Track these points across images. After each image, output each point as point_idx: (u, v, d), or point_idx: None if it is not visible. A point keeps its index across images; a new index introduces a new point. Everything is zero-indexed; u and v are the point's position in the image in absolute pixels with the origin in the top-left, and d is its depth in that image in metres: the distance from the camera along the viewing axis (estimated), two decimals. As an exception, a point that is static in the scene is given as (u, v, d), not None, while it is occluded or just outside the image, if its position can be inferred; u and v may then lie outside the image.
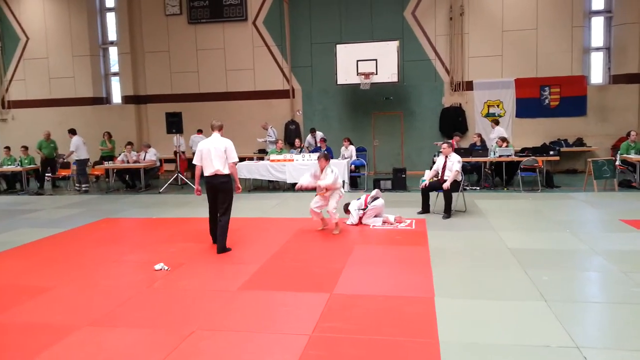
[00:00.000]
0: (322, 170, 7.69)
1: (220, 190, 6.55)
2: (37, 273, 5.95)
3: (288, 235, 7.55)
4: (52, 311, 4.60)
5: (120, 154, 14.02)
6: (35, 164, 14.15)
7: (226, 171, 6.53)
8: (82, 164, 13.27)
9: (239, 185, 7.01)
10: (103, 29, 17.37)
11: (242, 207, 10.41)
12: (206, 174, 6.56)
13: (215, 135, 6.75)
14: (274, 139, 14.50)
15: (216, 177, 6.50)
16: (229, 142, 6.64)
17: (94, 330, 4.21)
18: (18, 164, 13.76)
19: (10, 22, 17.16)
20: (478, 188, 11.72)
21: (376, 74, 13.72)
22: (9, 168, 13.72)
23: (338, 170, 8.03)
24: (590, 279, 5.39)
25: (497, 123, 13.37)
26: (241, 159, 13.42)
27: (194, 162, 6.75)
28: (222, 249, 6.51)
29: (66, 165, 14.71)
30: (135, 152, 13.80)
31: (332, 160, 12.22)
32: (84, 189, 13.18)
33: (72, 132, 13.42)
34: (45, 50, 17.05)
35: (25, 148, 14.07)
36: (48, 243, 7.48)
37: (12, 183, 14.05)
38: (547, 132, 14.55)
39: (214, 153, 6.50)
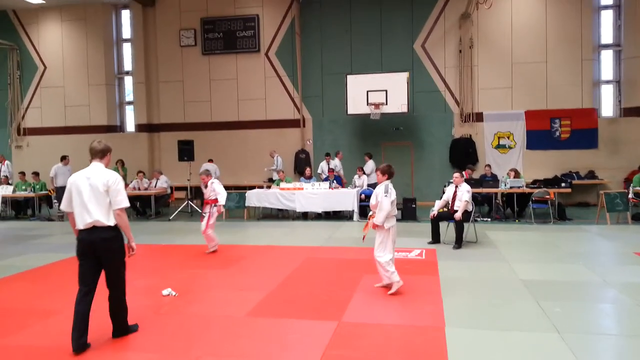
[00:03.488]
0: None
1: (102, 253, 4.24)
2: (46, 296, 5.95)
3: (296, 263, 7.51)
4: (60, 334, 4.57)
5: (132, 182, 14.15)
6: (47, 190, 14.31)
7: (111, 222, 4.25)
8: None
9: (133, 243, 4.45)
10: (119, 59, 17.78)
11: (251, 235, 10.42)
12: (79, 225, 4.22)
13: (95, 165, 4.39)
14: (275, 168, 14.65)
15: (94, 231, 4.21)
16: (114, 177, 4.32)
17: (101, 354, 4.17)
18: (31, 190, 13.93)
19: (29, 51, 17.64)
20: (489, 219, 11.63)
21: (386, 104, 13.85)
22: (22, 194, 13.88)
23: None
24: (604, 311, 5.27)
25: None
26: (251, 187, 13.56)
27: (61, 207, 4.48)
28: (121, 330, 4.50)
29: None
30: (147, 180, 13.93)
31: (341, 190, 12.33)
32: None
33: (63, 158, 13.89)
34: (62, 79, 17.45)
35: (37, 174, 14.27)
36: (57, 268, 7.50)
37: (24, 208, 14.19)
38: (558, 164, 14.49)
39: (88, 193, 4.22)
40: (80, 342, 4.15)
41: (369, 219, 5.94)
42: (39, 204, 13.97)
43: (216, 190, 8.35)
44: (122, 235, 4.37)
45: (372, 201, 5.87)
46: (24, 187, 14.18)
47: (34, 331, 4.79)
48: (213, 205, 8.33)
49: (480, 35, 14.92)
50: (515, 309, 5.23)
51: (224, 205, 8.46)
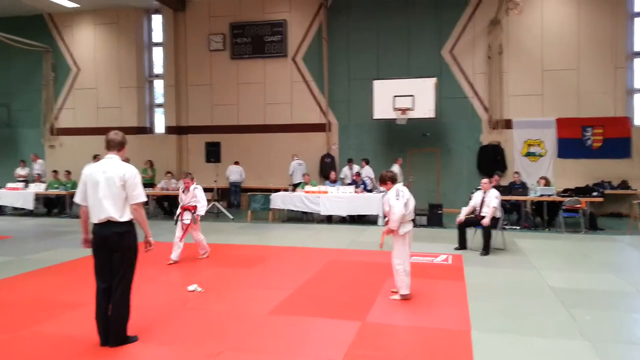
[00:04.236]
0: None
1: (113, 247, 4.12)
2: (73, 289, 6.07)
3: (320, 264, 7.48)
4: (86, 325, 4.64)
5: (160, 182, 14.38)
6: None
7: (125, 217, 4.14)
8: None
9: (151, 238, 4.36)
10: (150, 62, 18.12)
11: (276, 236, 10.45)
12: (93, 219, 4.15)
13: (112, 158, 4.25)
14: (290, 173, 14.88)
15: (108, 225, 4.11)
16: (130, 170, 4.19)
17: (126, 345, 4.21)
18: (63, 188, 14.27)
19: (63, 54, 18.11)
20: (518, 227, 11.41)
21: (413, 109, 13.75)
22: (54, 191, 14.23)
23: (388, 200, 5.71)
24: (637, 320, 5.10)
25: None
26: (276, 190, 13.62)
27: (75, 199, 4.33)
28: (118, 340, 4.18)
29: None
30: (175, 181, 14.13)
31: (367, 194, 12.27)
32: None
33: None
34: (95, 81, 17.86)
35: (69, 172, 14.62)
36: (85, 262, 7.59)
37: (56, 205, 14.56)
38: (590, 174, 14.12)
39: (103, 187, 4.12)
40: (104, 335, 4.16)
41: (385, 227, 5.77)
42: (70, 201, 14.29)
43: (198, 197, 7.81)
44: (135, 232, 4.22)
45: (385, 208, 5.76)
46: (56, 185, 14.55)
47: (61, 321, 4.89)
48: (193, 211, 7.76)
49: (510, 41, 14.71)
50: (544, 315, 5.10)
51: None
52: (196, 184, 7.99)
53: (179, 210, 7.94)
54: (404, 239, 5.61)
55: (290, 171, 14.99)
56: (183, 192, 7.95)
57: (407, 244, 5.64)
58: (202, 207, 7.87)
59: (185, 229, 7.74)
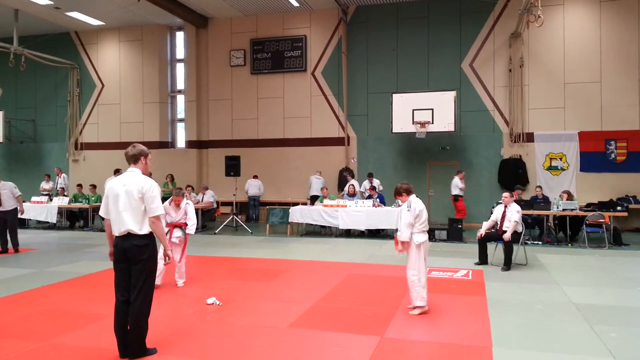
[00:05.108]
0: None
1: (133, 261, 4.16)
2: (95, 301, 6.14)
3: (339, 278, 7.45)
4: (108, 337, 4.69)
5: (180, 195, 14.53)
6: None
7: (144, 230, 4.18)
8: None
9: (169, 251, 4.49)
10: (172, 78, 18.45)
11: (294, 250, 10.45)
12: (115, 232, 4.24)
13: (132, 171, 4.33)
14: (308, 186, 15.10)
15: (128, 238, 4.17)
16: (148, 183, 4.23)
17: (146, 357, 4.23)
18: (86, 202, 14.52)
19: (88, 70, 18.57)
20: (540, 243, 11.22)
21: (432, 123, 13.70)
22: (77, 205, 14.48)
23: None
24: (667, 339, 4.94)
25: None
26: (295, 204, 13.65)
27: (99, 213, 4.47)
28: (137, 352, 4.17)
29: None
30: (195, 194, 14.27)
31: (385, 208, 12.21)
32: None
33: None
34: (118, 96, 18.24)
35: (94, 186, 14.88)
36: (107, 275, 7.71)
37: (79, 219, 14.80)
38: (614, 188, 13.86)
39: (123, 200, 4.19)
40: (124, 347, 4.18)
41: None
42: (92, 215, 14.51)
43: (189, 215, 7.08)
44: (155, 245, 4.26)
45: (399, 222, 5.72)
46: (80, 200, 14.79)
47: (83, 332, 4.95)
48: (184, 228, 7.09)
49: (531, 54, 14.62)
50: (567, 331, 4.98)
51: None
52: (188, 200, 7.31)
53: (166, 229, 6.54)
54: (419, 249, 5.55)
55: (309, 185, 15.08)
56: (176, 209, 7.09)
57: (423, 256, 5.58)
58: (192, 226, 7.09)
59: (183, 247, 7.07)
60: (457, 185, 13.34)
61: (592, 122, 14.19)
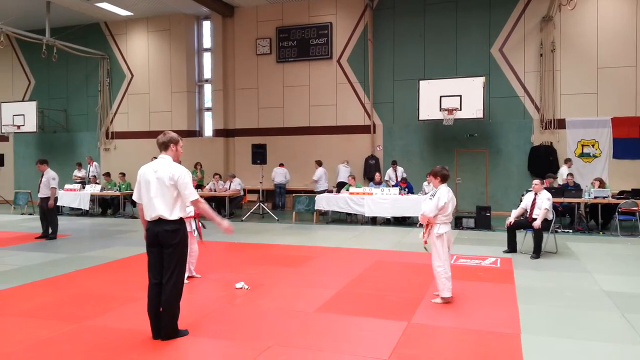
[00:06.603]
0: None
1: (164, 245, 4.24)
2: (127, 285, 6.31)
3: (365, 265, 7.47)
4: (140, 319, 4.82)
5: (208, 183, 14.77)
6: (132, 189, 15.20)
7: (174, 216, 4.26)
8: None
9: (223, 222, 4.47)
10: (199, 67, 18.62)
11: (321, 236, 10.51)
12: (147, 217, 4.32)
13: (163, 158, 4.41)
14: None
15: (159, 223, 4.25)
16: (179, 170, 4.28)
17: (178, 338, 4.35)
18: (117, 189, 14.87)
19: (118, 61, 18.88)
20: (571, 231, 11.00)
21: (460, 109, 13.51)
22: (109, 192, 14.84)
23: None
24: (703, 328, 4.82)
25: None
26: (320, 192, 13.69)
27: (133, 197, 4.51)
28: (169, 333, 4.30)
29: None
30: (222, 182, 14.45)
31: (411, 196, 12.15)
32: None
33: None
34: (148, 86, 18.51)
35: (123, 174, 15.22)
36: (138, 260, 7.93)
37: (110, 206, 15.17)
38: (648, 175, 13.47)
39: (155, 186, 4.26)
40: (156, 328, 4.29)
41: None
42: (123, 202, 14.85)
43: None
44: (185, 230, 4.38)
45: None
46: (110, 187, 15.15)
47: (116, 314, 5.10)
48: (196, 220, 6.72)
49: (563, 38, 14.22)
50: (598, 319, 4.90)
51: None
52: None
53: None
54: (442, 239, 5.49)
55: (337, 173, 15.10)
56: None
57: (446, 245, 5.53)
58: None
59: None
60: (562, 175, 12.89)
61: (627, 107, 13.78)
